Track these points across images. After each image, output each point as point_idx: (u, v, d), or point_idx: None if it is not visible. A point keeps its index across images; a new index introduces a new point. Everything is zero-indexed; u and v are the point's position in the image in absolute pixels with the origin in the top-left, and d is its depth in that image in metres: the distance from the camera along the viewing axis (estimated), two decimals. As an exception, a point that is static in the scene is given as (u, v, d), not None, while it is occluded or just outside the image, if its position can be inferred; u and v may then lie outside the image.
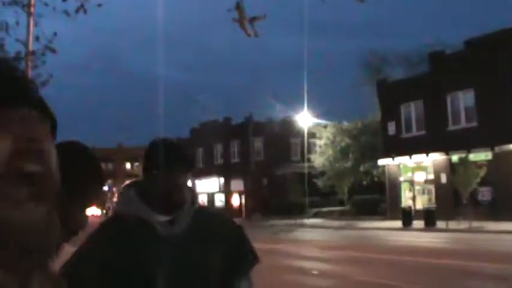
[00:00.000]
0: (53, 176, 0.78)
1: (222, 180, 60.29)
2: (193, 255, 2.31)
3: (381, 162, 40.59)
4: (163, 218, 2.32)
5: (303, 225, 40.04)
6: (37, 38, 11.15)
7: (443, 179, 35.41)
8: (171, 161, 2.31)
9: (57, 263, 1.35)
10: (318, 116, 52.46)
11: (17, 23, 11.66)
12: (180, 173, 2.34)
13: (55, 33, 11.65)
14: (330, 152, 47.26)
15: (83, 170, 1.76)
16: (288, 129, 56.33)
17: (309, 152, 51.03)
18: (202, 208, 2.52)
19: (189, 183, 2.48)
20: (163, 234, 2.31)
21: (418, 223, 32.10)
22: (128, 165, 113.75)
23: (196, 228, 2.38)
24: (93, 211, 58.98)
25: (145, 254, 2.25)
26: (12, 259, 0.74)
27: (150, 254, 2.26)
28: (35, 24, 11.81)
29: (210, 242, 2.40)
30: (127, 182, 2.53)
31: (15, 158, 0.73)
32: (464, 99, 34.98)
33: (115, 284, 2.09)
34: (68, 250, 1.92)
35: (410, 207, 35.27)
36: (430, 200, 37.01)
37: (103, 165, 2.08)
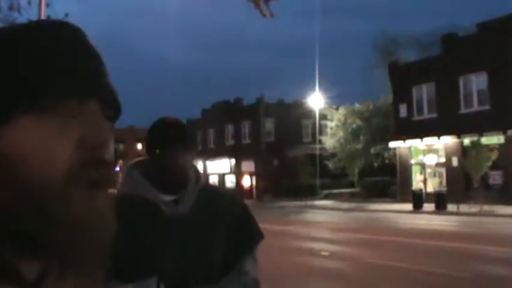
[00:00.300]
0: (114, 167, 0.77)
1: (233, 161, 60.30)
2: (198, 234, 2.31)
3: (392, 144, 40.47)
4: (167, 198, 2.32)
5: (313, 207, 40.08)
6: (48, 18, 11.18)
7: (455, 162, 35.29)
8: (172, 139, 2.30)
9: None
10: (329, 98, 52.42)
11: (29, 3, 11.68)
12: (183, 151, 2.31)
13: (66, 14, 11.68)
14: (341, 133, 47.17)
15: None
16: (299, 110, 56.22)
17: (320, 133, 50.97)
18: (206, 187, 2.50)
19: (194, 162, 2.47)
20: (168, 213, 2.30)
21: (428, 206, 32.07)
22: (139, 146, 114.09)
23: (201, 207, 2.37)
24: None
25: (150, 234, 2.26)
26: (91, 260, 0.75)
27: (155, 234, 2.26)
28: (47, 5, 11.83)
29: (214, 220, 2.39)
30: (130, 162, 2.52)
31: (94, 151, 0.72)
32: (477, 82, 34.74)
33: (120, 265, 2.09)
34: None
35: (421, 190, 35.24)
36: (441, 183, 36.91)
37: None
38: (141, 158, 2.52)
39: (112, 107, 0.77)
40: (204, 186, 2.46)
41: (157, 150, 2.31)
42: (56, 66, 0.72)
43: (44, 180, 0.68)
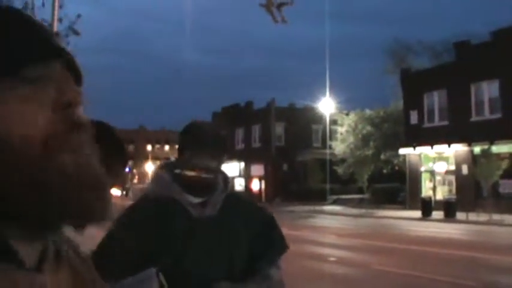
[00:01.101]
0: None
1: (242, 164, 60.34)
2: (222, 238, 2.34)
3: (402, 151, 40.40)
4: (195, 200, 2.36)
5: (322, 212, 40.04)
6: (60, 20, 11.24)
7: (465, 170, 35.18)
8: (203, 144, 2.34)
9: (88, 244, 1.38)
10: (340, 103, 52.36)
11: (43, 4, 11.74)
12: (213, 156, 2.35)
13: (79, 15, 11.73)
14: (351, 139, 47.10)
15: (107, 149, 1.76)
16: (310, 115, 56.20)
17: (330, 138, 50.92)
18: (234, 192, 2.55)
19: (223, 167, 2.50)
20: (195, 215, 2.34)
21: (437, 214, 31.97)
22: (149, 147, 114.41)
23: (228, 212, 2.41)
24: (113, 191, 59.35)
25: (175, 235, 2.29)
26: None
27: (180, 235, 2.30)
28: (60, 6, 11.89)
29: (240, 226, 2.42)
30: (160, 162, 2.59)
31: (69, 109, 0.75)
32: (489, 90, 34.63)
33: (144, 263, 2.12)
34: (98, 234, 1.95)
35: (430, 197, 35.12)
36: (450, 191, 36.79)
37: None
38: (170, 160, 2.60)
39: (73, 69, 0.80)
40: (231, 192, 2.50)
41: (188, 153, 2.35)
42: (22, 39, 0.74)
43: (27, 148, 0.70)
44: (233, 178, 61.34)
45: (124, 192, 68.75)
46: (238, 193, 2.68)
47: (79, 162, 0.75)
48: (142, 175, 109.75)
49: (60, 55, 0.77)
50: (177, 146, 2.43)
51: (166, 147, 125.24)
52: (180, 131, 2.44)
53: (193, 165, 2.33)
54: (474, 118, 35.36)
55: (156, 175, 2.48)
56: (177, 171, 2.39)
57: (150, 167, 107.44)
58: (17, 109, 0.70)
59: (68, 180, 0.73)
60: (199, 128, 2.40)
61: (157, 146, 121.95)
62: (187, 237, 2.29)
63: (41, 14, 11.70)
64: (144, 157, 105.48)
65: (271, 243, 2.53)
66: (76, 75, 0.80)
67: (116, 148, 2.03)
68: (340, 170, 47.34)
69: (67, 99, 0.75)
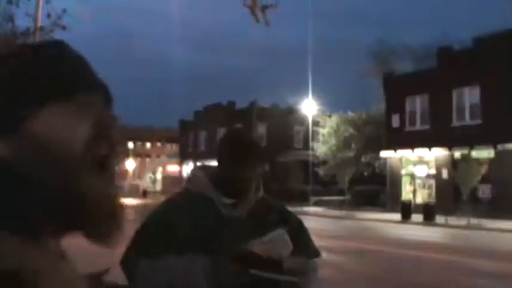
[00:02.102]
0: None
1: (223, 164, 60.18)
2: (249, 237, 2.39)
3: (383, 154, 40.64)
4: (227, 201, 2.49)
5: (303, 213, 40.06)
6: (48, 15, 11.22)
7: (445, 174, 35.46)
8: (244, 154, 2.47)
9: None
10: (322, 104, 52.52)
11: (29, -2, 11.68)
12: (252, 165, 2.49)
13: (64, 10, 11.69)
14: (333, 141, 47.28)
15: None
16: (292, 116, 56.30)
17: (312, 140, 51.06)
18: (265, 197, 2.67)
19: (258, 176, 2.62)
20: (226, 215, 2.47)
21: (417, 217, 32.16)
22: (131, 144, 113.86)
23: (257, 214, 2.54)
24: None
25: (205, 230, 2.41)
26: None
27: (210, 231, 2.42)
28: (47, 1, 11.85)
29: (269, 229, 2.47)
30: (199, 165, 2.77)
31: (94, 141, 0.92)
32: (470, 96, 34.95)
33: (173, 250, 2.29)
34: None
35: (410, 200, 35.36)
36: (430, 194, 37.06)
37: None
38: (207, 164, 2.77)
39: (108, 98, 0.99)
40: (263, 197, 2.64)
41: (227, 160, 2.50)
42: (79, 72, 0.95)
43: (68, 153, 0.87)
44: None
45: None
46: (270, 198, 2.76)
47: (106, 185, 0.92)
48: (123, 172, 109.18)
49: (103, 86, 0.98)
50: (158, 144, 2.55)
51: (148, 145, 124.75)
52: (220, 138, 2.62)
53: (232, 172, 2.47)
54: (455, 123, 35.66)
55: (193, 173, 2.66)
56: (214, 174, 2.56)
57: (131, 164, 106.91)
58: (68, 122, 0.89)
59: (97, 197, 0.90)
60: (241, 139, 2.55)
61: (139, 143, 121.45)
62: (216, 235, 2.42)
63: (25, 7, 11.67)
64: (126, 154, 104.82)
65: (300, 249, 2.56)
66: (109, 101, 0.99)
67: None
68: (321, 171, 47.51)
69: (105, 123, 0.94)
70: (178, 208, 2.49)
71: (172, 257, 2.29)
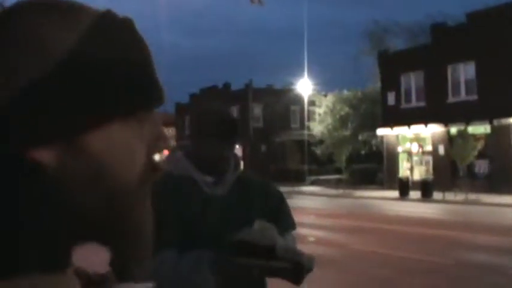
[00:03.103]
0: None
1: (220, 146, 60.15)
2: (234, 214, 2.44)
3: (380, 132, 40.63)
4: (208, 179, 2.48)
5: (300, 193, 40.21)
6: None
7: (441, 150, 35.52)
8: (219, 128, 2.45)
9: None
10: (317, 84, 52.49)
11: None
12: (226, 140, 2.48)
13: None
14: (329, 120, 47.23)
15: None
16: (288, 96, 56.25)
17: (308, 120, 51.04)
18: (244, 173, 2.69)
19: (235, 151, 2.64)
20: (208, 193, 2.47)
21: (414, 194, 32.30)
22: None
23: (239, 190, 2.54)
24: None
25: (189, 210, 2.41)
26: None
27: (194, 210, 2.42)
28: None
29: (251, 203, 2.54)
30: (176, 145, 2.70)
31: (150, 158, 0.83)
32: (465, 71, 34.92)
33: (158, 235, 2.26)
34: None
35: (407, 177, 35.45)
36: (427, 171, 37.14)
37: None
38: (183, 142, 2.71)
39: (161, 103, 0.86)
40: (242, 173, 2.64)
41: (203, 138, 2.47)
42: (146, 74, 0.81)
43: (126, 181, 0.77)
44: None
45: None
46: (249, 174, 2.78)
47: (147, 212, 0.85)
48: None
49: (159, 102, 0.83)
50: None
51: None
52: (190, 116, 2.55)
53: (209, 150, 2.46)
54: (451, 99, 35.65)
55: (171, 154, 2.64)
56: (191, 153, 2.53)
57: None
58: (128, 142, 0.77)
59: (142, 225, 0.83)
60: (215, 113, 2.52)
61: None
62: (200, 214, 2.42)
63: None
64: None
65: (282, 217, 2.64)
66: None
67: None
68: (318, 151, 47.50)
69: (159, 141, 0.84)
70: (164, 194, 2.35)
71: (171, 252, 2.27)
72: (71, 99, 0.72)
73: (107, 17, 0.79)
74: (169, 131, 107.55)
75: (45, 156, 0.72)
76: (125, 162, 0.77)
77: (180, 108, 73.05)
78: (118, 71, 0.76)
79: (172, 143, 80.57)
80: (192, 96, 67.44)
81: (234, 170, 2.58)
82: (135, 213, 0.80)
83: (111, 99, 0.75)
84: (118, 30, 0.79)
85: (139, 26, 0.84)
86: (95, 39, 0.75)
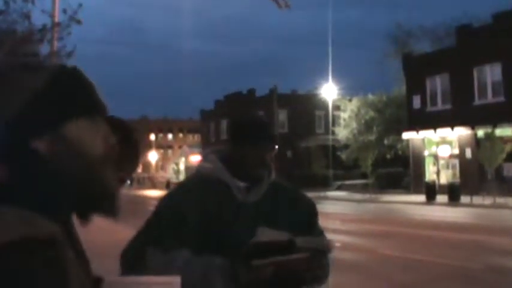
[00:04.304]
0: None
1: (245, 152, 60.29)
2: (264, 221, 2.38)
3: (405, 135, 40.38)
4: (241, 184, 2.47)
5: (326, 198, 40.11)
6: (64, 11, 11.25)
7: (468, 153, 35.17)
8: (257, 136, 2.47)
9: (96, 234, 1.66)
10: (342, 88, 52.35)
11: (45, -4, 11.72)
12: (267, 150, 2.49)
13: (80, 5, 11.72)
14: (354, 124, 47.11)
15: (121, 145, 1.78)
16: (312, 101, 56.16)
17: (333, 124, 50.92)
18: (278, 182, 2.66)
19: (270, 159, 2.60)
20: (240, 199, 2.46)
21: (441, 198, 32.01)
22: (153, 136, 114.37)
23: (271, 198, 2.52)
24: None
25: (219, 213, 2.40)
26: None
27: (224, 214, 2.41)
28: (62, -4, 11.88)
29: (282, 212, 2.51)
30: (210, 149, 2.75)
31: (110, 149, 1.28)
32: (491, 73, 34.56)
33: (185, 234, 2.29)
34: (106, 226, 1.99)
35: (434, 181, 35.15)
36: (454, 174, 36.82)
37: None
38: (218, 147, 2.73)
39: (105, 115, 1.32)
40: (275, 181, 2.62)
41: (242, 144, 2.48)
42: (96, 97, 1.29)
43: (94, 155, 1.22)
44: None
45: (129, 182, 68.71)
46: (283, 182, 2.75)
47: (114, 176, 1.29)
48: (147, 164, 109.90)
49: (106, 108, 1.31)
50: (180, 135, 2.51)
51: (170, 136, 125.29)
52: (230, 122, 2.63)
53: (245, 154, 2.47)
54: (477, 101, 35.31)
55: (206, 157, 2.63)
56: (227, 158, 2.54)
57: (153, 156, 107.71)
58: (90, 132, 1.23)
59: (105, 189, 1.25)
60: (255, 122, 2.54)
61: (160, 135, 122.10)
62: (230, 218, 2.41)
63: (42, 5, 11.70)
64: (148, 146, 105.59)
65: (312, 228, 2.60)
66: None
67: (129, 142, 2.06)
68: (343, 155, 47.38)
69: (108, 135, 1.28)
70: (189, 194, 2.46)
71: (187, 253, 2.25)
72: (53, 111, 1.18)
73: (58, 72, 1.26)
74: (195, 138, 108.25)
75: (41, 145, 1.16)
76: (90, 144, 1.22)
77: (205, 114, 73.44)
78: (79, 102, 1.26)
79: (198, 149, 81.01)
80: (217, 102, 67.64)
81: (269, 177, 2.57)
82: (105, 176, 1.24)
83: (78, 109, 1.23)
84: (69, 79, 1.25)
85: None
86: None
